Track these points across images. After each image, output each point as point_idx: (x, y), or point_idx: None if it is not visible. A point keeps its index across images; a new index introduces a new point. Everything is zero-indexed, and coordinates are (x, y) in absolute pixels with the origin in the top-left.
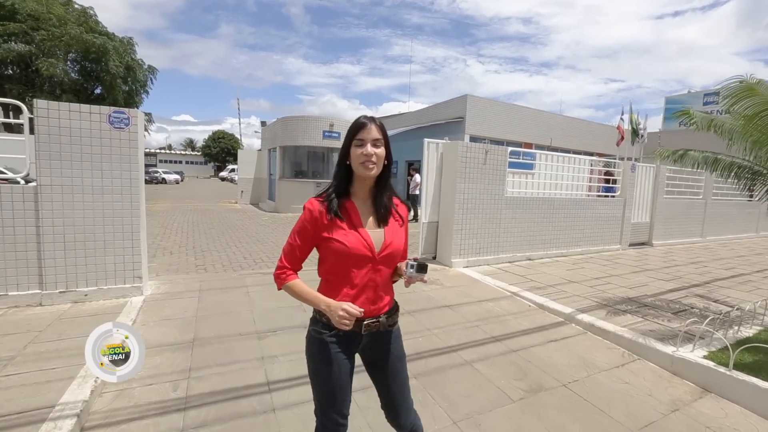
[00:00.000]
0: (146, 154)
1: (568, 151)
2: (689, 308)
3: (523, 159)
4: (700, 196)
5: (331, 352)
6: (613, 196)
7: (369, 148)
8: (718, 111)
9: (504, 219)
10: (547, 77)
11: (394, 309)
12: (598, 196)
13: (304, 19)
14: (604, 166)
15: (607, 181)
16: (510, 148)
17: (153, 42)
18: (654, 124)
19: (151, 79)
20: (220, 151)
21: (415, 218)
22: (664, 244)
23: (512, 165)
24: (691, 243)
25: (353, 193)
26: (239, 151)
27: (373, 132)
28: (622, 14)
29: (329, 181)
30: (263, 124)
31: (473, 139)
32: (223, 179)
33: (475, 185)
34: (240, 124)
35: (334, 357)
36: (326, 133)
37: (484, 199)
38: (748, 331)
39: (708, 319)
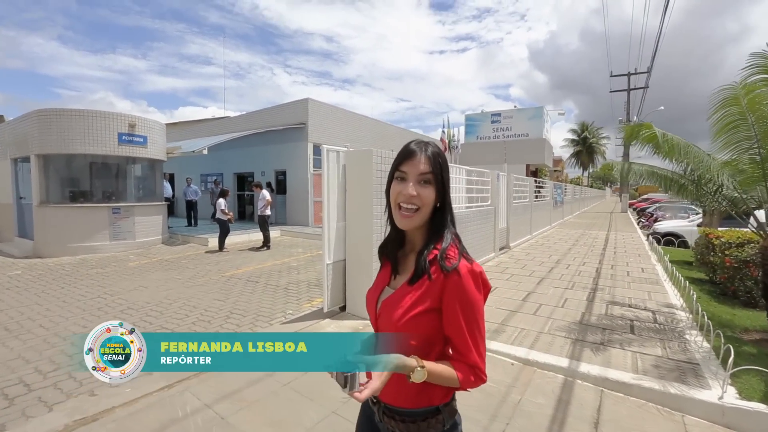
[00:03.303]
0: None
1: None
2: (629, 321)
3: None
4: (527, 200)
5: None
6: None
7: (410, 188)
8: (501, 128)
9: None
10: (349, 92)
11: (415, 416)
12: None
13: None
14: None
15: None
16: None
17: None
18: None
19: None
20: None
21: (265, 245)
22: (516, 245)
23: None
24: (527, 241)
25: (406, 238)
26: None
27: (421, 164)
28: (403, 46)
29: (132, 204)
30: None
31: (318, 147)
32: None
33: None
34: None
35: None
36: (124, 137)
37: None
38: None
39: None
